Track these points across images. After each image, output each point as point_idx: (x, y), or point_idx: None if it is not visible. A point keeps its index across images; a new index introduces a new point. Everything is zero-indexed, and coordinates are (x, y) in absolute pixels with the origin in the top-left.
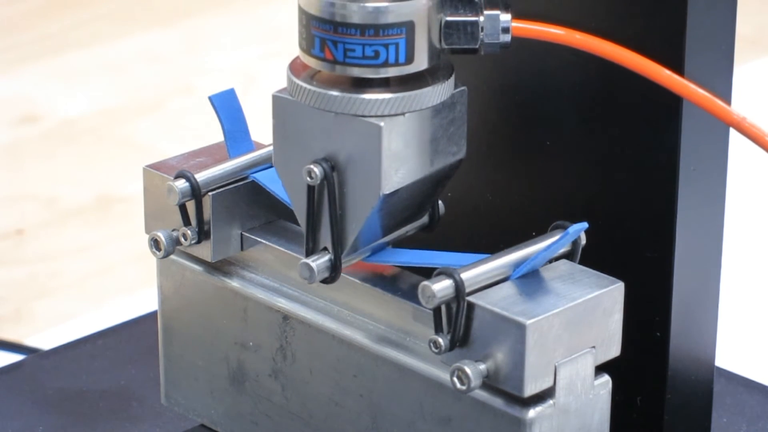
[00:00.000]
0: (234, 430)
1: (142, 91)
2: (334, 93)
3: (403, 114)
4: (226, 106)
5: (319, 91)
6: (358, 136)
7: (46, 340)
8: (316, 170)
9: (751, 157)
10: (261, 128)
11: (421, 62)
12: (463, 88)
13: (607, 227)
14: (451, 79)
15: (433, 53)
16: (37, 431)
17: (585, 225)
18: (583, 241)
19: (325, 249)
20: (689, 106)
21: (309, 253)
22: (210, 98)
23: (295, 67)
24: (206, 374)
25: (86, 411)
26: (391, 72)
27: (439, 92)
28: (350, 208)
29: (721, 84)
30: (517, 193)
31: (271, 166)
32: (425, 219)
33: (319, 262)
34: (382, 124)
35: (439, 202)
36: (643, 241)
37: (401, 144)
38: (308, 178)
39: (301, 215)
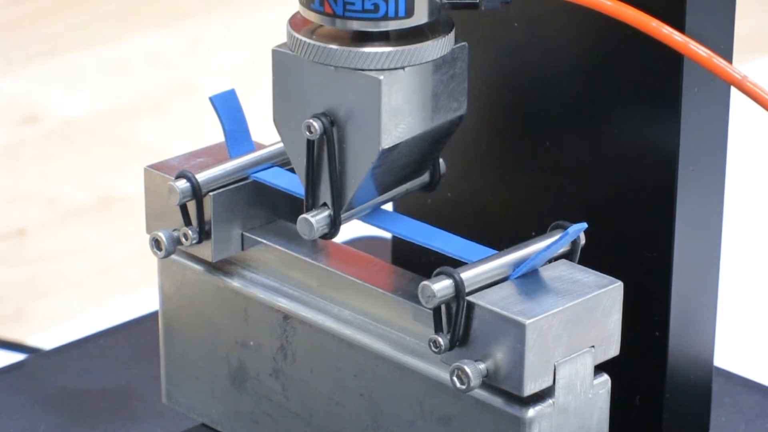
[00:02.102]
0: (235, 430)
1: (143, 92)
2: (334, 47)
3: (402, 68)
4: (227, 107)
5: (319, 45)
6: (357, 90)
7: (47, 340)
8: (316, 125)
9: (749, 156)
10: (262, 128)
11: (421, 16)
12: (463, 43)
13: (606, 227)
14: (452, 34)
15: (433, 8)
16: (39, 430)
17: (584, 225)
18: (583, 241)
19: (325, 205)
20: (688, 105)
21: (308, 209)
22: (211, 99)
23: (295, 23)
24: (207, 373)
25: (87, 410)
26: (391, 26)
27: (439, 47)
28: (350, 163)
29: (721, 83)
30: (517, 193)
31: (272, 166)
32: (426, 177)
33: (319, 217)
34: (381, 77)
35: (440, 160)
36: (642, 241)
37: (401, 98)
38: (307, 133)
39: (300, 171)
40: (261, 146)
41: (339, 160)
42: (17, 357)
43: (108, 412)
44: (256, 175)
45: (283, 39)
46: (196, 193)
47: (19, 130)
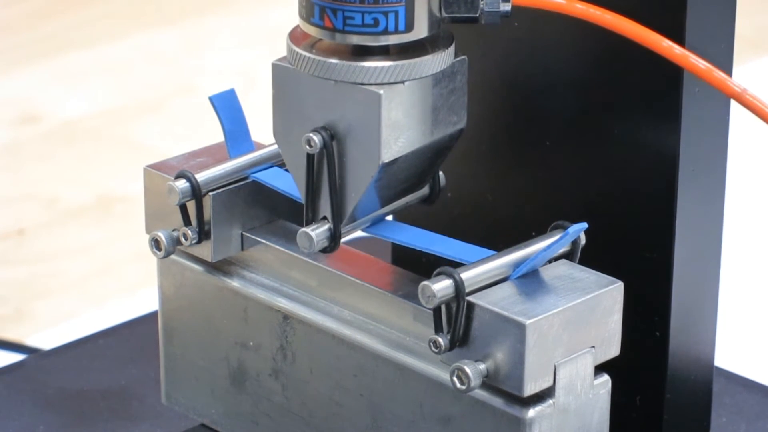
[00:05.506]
0: (234, 430)
1: (143, 91)
2: (334, 61)
3: (402, 82)
4: (227, 107)
5: (319, 59)
6: (357, 105)
7: (46, 340)
8: (316, 139)
9: (750, 156)
10: (261, 128)
11: (420, 30)
12: (463, 57)
13: (606, 227)
14: (452, 48)
15: (433, 22)
16: (38, 431)
17: (584, 225)
18: (583, 241)
19: (325, 218)
20: (689, 106)
21: (308, 222)
22: (210, 98)
23: (295, 36)
24: (207, 374)
25: (87, 410)
26: (391, 40)
27: (439, 61)
28: (350, 176)
29: None
30: (517, 193)
31: (272, 167)
32: (425, 190)
33: (318, 231)
34: (381, 92)
35: (440, 173)
36: (643, 241)
37: (401, 112)
38: (307, 147)
39: (300, 184)
40: (261, 146)
41: (339, 174)
42: (17, 357)
43: (108, 412)
44: (255, 175)
45: (283, 39)
46: (196, 193)
47: (19, 130)
